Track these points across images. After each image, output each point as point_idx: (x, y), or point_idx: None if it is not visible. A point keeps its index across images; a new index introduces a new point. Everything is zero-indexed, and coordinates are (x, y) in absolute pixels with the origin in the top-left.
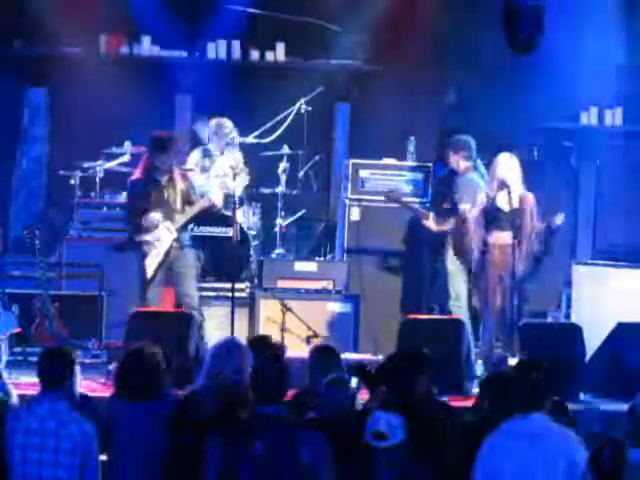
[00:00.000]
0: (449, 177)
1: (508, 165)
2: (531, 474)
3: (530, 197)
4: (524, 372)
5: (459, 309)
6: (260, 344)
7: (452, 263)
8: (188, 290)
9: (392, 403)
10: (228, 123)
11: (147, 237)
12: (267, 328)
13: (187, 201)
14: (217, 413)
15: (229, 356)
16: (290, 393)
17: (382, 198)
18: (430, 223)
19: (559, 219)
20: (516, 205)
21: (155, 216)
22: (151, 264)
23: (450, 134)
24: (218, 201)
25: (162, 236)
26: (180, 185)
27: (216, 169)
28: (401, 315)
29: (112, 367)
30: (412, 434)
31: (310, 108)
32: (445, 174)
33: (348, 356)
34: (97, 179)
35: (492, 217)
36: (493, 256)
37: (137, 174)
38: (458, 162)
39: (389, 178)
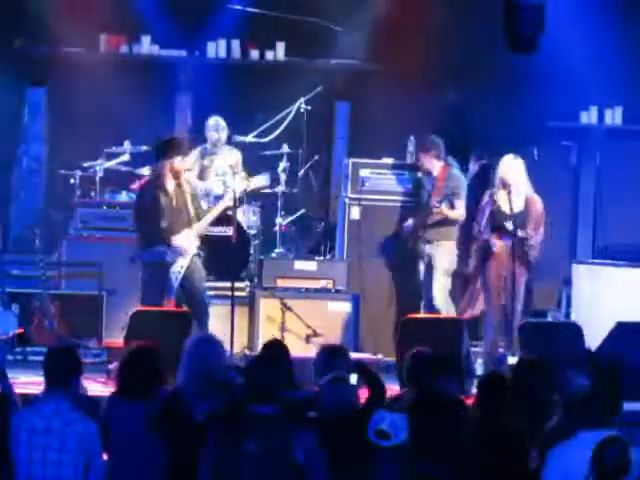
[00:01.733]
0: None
1: (509, 165)
2: None
3: (536, 200)
4: (523, 374)
5: (444, 305)
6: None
7: (441, 257)
8: (202, 291)
9: (418, 403)
10: (221, 121)
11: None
12: (267, 327)
13: (196, 206)
14: (214, 411)
15: (213, 353)
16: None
17: (382, 197)
18: (445, 211)
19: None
20: (521, 206)
21: (181, 243)
22: (177, 275)
23: (450, 134)
24: (230, 202)
25: (186, 246)
26: (188, 189)
27: (215, 168)
28: (400, 314)
29: (112, 367)
30: (431, 434)
31: (310, 107)
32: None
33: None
34: (97, 178)
35: (496, 218)
36: (495, 256)
37: (144, 180)
38: (432, 162)
39: (389, 177)
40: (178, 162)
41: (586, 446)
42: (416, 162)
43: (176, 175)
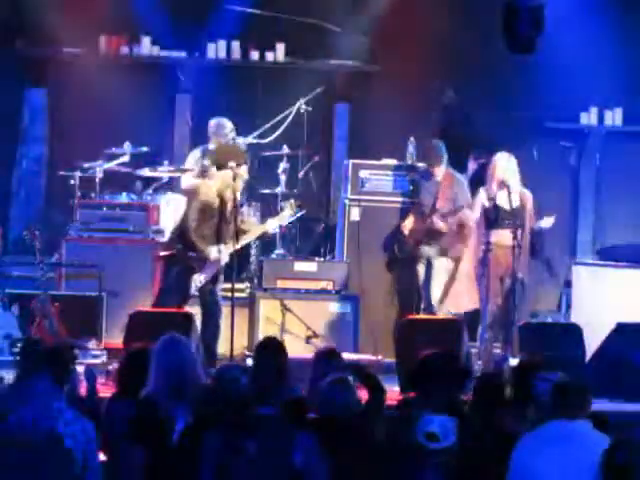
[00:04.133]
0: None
1: (507, 165)
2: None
3: (529, 196)
4: (521, 373)
5: (442, 307)
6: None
7: (440, 259)
8: (216, 292)
9: (436, 406)
10: (228, 123)
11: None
12: (267, 328)
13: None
14: (215, 413)
15: (183, 354)
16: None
17: (382, 198)
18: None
19: (546, 222)
20: (516, 204)
21: (210, 256)
22: (197, 283)
23: (449, 134)
24: (271, 229)
25: (218, 258)
26: (238, 198)
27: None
28: (400, 314)
29: (112, 367)
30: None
31: (310, 108)
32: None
33: (348, 356)
34: (97, 179)
35: (493, 217)
36: (494, 256)
37: (209, 178)
38: (438, 169)
39: (389, 178)
40: (243, 170)
41: (556, 435)
42: (425, 168)
43: (236, 183)
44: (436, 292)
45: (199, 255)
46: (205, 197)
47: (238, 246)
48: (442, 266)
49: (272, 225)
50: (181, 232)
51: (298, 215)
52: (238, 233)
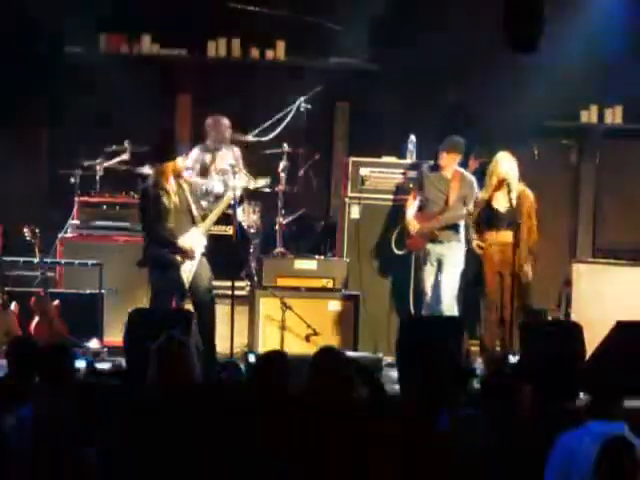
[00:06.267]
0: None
1: (508, 164)
2: None
3: (528, 194)
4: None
5: (450, 306)
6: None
7: (451, 257)
8: (209, 291)
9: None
10: (225, 120)
11: (179, 247)
12: (267, 326)
13: (198, 206)
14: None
15: (184, 352)
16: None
17: (382, 196)
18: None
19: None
20: (514, 203)
21: (185, 245)
22: (188, 274)
23: (450, 133)
24: (232, 200)
25: (193, 244)
26: (188, 190)
27: (216, 166)
28: (400, 313)
29: (112, 366)
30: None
31: (310, 106)
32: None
33: (348, 355)
34: (97, 178)
35: (492, 215)
36: (493, 254)
37: (148, 180)
38: (450, 163)
39: (389, 176)
40: (179, 162)
41: (593, 435)
42: (437, 160)
43: (177, 176)
44: (445, 292)
45: (174, 248)
46: (150, 193)
47: (208, 224)
48: (450, 264)
49: (231, 196)
50: (148, 232)
51: (265, 186)
52: (203, 215)
